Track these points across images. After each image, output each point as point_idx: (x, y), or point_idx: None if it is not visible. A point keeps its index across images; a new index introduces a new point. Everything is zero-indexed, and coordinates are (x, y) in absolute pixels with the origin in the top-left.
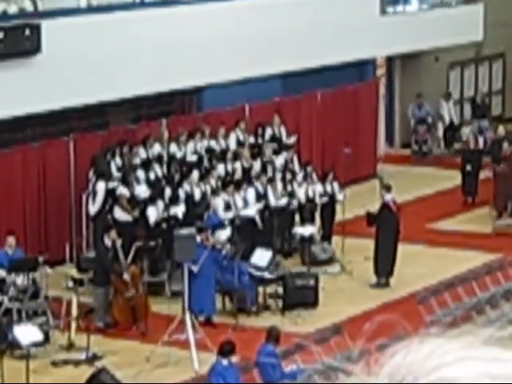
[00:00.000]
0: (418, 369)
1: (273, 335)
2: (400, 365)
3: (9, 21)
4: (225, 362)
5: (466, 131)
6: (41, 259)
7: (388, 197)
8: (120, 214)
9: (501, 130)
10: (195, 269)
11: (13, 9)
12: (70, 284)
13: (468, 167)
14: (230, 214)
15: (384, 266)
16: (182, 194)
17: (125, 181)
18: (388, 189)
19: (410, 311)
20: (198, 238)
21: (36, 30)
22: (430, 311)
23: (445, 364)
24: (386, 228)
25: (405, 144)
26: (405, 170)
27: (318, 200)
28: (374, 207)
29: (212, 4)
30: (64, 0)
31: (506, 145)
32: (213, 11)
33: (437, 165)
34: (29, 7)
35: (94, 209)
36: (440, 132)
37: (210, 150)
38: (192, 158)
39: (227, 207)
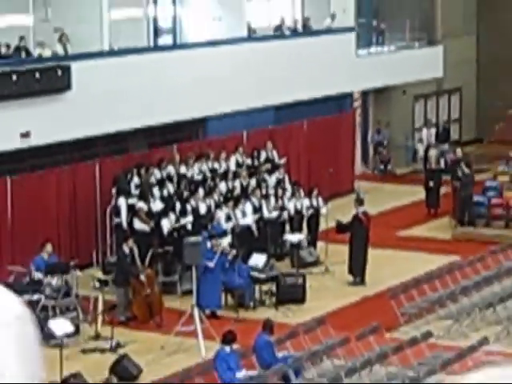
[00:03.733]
0: None
1: (267, 326)
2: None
3: (44, 63)
4: (227, 348)
5: (432, 153)
6: (72, 263)
7: (360, 209)
8: (139, 225)
9: (459, 152)
10: (211, 264)
11: (47, 53)
12: (97, 284)
13: (431, 183)
14: (231, 224)
15: (357, 267)
16: (189, 207)
17: (142, 197)
18: (360, 202)
19: (382, 305)
20: (209, 244)
21: (66, 70)
22: (400, 305)
23: None
24: (357, 236)
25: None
26: (377, 187)
27: (304, 212)
28: (349, 218)
29: (214, 48)
30: (89, 45)
31: (463, 165)
32: (215, 55)
33: (404, 182)
34: (60, 51)
35: (123, 221)
36: (421, 152)
37: (213, 171)
38: (198, 177)
39: (228, 218)
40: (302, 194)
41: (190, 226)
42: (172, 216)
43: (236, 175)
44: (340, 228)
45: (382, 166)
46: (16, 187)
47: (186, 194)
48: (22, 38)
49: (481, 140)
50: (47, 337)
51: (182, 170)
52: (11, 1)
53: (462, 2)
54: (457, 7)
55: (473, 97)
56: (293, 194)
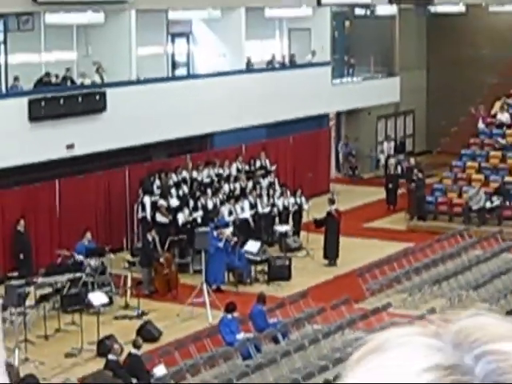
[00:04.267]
0: (490, 333)
1: (261, 298)
2: (469, 323)
3: (85, 89)
4: (229, 316)
5: (391, 161)
6: (107, 248)
7: (332, 207)
8: (160, 218)
9: (412, 160)
10: (220, 244)
11: (87, 81)
12: (126, 265)
13: (390, 186)
14: (232, 218)
15: (331, 252)
16: (200, 204)
17: (162, 196)
18: (332, 202)
19: (351, 282)
20: (215, 233)
21: (102, 95)
22: (365, 282)
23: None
24: (330, 227)
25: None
26: (347, 188)
27: (290, 208)
28: (324, 213)
29: (220, 78)
30: (121, 75)
31: (416, 171)
32: (220, 83)
33: (369, 184)
34: (98, 80)
35: (147, 215)
36: (382, 161)
37: (218, 175)
38: (207, 180)
39: (230, 213)
40: (289, 193)
41: (199, 219)
42: (186, 211)
43: (236, 179)
44: (317, 223)
45: (351, 172)
46: (63, 188)
47: (197, 193)
48: (67, 70)
49: (430, 151)
50: (87, 306)
51: (194, 174)
52: (59, 40)
53: (415, 43)
54: (411, 46)
55: (423, 117)
56: (281, 194)
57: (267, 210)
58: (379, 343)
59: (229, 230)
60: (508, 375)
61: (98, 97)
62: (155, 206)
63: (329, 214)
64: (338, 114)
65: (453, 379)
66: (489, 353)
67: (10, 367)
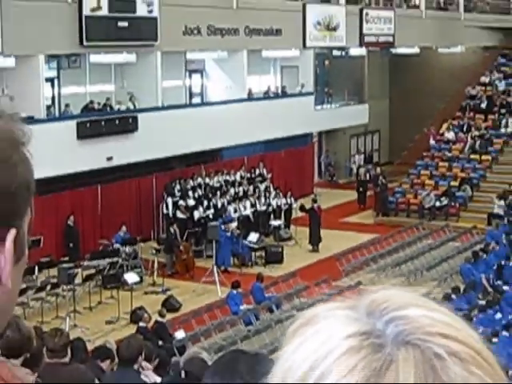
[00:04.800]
0: (393, 302)
1: (259, 277)
2: (378, 293)
3: (121, 114)
4: (234, 291)
5: (361, 170)
6: (138, 238)
7: (315, 205)
8: (180, 215)
9: (378, 169)
10: (228, 234)
11: (123, 107)
12: (153, 251)
13: (360, 189)
14: (237, 214)
15: (314, 241)
16: (211, 204)
17: (182, 197)
18: (315, 201)
19: (330, 265)
20: (223, 227)
21: (135, 119)
22: (341, 264)
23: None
24: (313, 221)
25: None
26: (327, 191)
27: (283, 207)
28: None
29: (226, 105)
30: (149, 103)
31: (381, 177)
32: (227, 109)
33: (343, 188)
34: (131, 107)
35: (170, 212)
36: (354, 170)
37: (226, 181)
38: (217, 185)
39: (235, 211)
40: (281, 195)
41: (211, 216)
42: (200, 209)
43: (240, 183)
44: (302, 209)
45: (330, 178)
46: (103, 192)
47: (209, 195)
48: (107, 99)
49: (392, 162)
50: (122, 284)
51: (207, 180)
52: (101, 75)
53: (380, 77)
54: (377, 80)
55: (386, 135)
56: (275, 196)
57: (264, 208)
58: (309, 318)
59: (234, 224)
60: (413, 335)
61: (131, 120)
62: (176, 205)
63: (312, 209)
64: (320, 133)
65: (370, 342)
66: (396, 318)
67: (59, 330)
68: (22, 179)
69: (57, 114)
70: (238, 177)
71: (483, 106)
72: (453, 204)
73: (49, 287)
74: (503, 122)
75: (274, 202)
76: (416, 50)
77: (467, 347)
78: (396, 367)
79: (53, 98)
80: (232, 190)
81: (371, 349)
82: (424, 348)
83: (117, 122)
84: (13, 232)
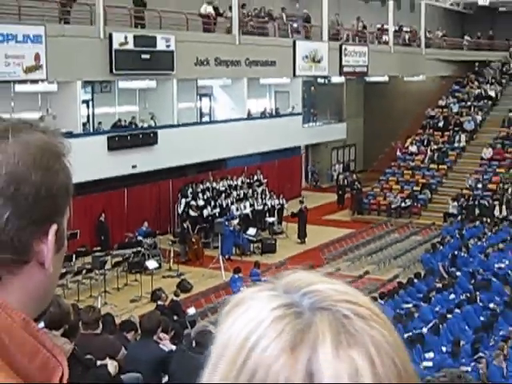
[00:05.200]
0: (307, 282)
1: (256, 264)
2: (295, 276)
3: (144, 130)
4: (236, 275)
5: (341, 176)
6: (157, 232)
7: (302, 205)
8: (191, 213)
9: (354, 176)
10: (231, 228)
11: (145, 125)
12: (170, 243)
13: (340, 192)
14: (238, 213)
15: (301, 235)
16: (217, 204)
17: (194, 198)
18: (302, 202)
19: (315, 254)
20: (227, 223)
21: (155, 134)
22: (324, 254)
23: (318, 280)
24: (301, 219)
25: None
26: (313, 193)
27: (276, 207)
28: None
29: (230, 123)
30: (167, 121)
31: (356, 182)
32: (231, 126)
33: (326, 191)
34: (152, 124)
35: (183, 210)
36: (335, 176)
37: (229, 185)
38: (222, 188)
39: (237, 210)
40: (275, 197)
41: (217, 214)
42: (208, 208)
43: (241, 187)
44: (293, 215)
45: (314, 183)
46: (129, 194)
47: (215, 197)
48: (133, 117)
49: (366, 170)
50: (145, 269)
51: (214, 184)
52: (127, 98)
53: (356, 101)
54: (353, 103)
55: (361, 148)
56: (270, 197)
57: (261, 207)
58: (238, 300)
59: (236, 221)
60: (325, 303)
61: (151, 135)
62: (188, 205)
63: (300, 209)
64: (306, 147)
65: (291, 311)
66: (309, 292)
67: (92, 307)
68: (62, 184)
69: (91, 130)
70: (239, 182)
71: (440, 124)
72: (415, 205)
73: (84, 272)
74: (456, 137)
75: (268, 203)
76: (385, 78)
77: (366, 308)
78: (315, 327)
79: (88, 117)
80: (234, 193)
81: (293, 316)
82: (334, 311)
83: (140, 136)
84: (54, 227)
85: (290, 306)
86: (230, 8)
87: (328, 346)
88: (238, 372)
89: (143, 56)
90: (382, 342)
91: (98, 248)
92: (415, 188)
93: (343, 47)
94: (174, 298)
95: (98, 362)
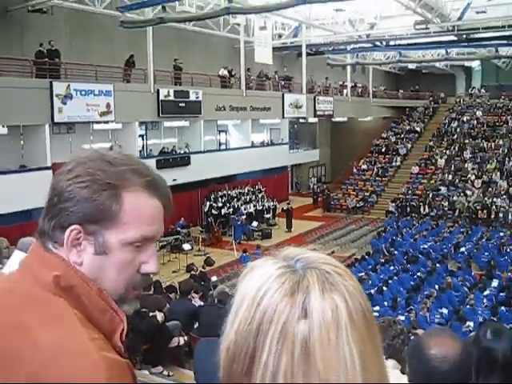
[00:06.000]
0: (300, 253)
1: (258, 247)
2: (291, 250)
3: (180, 155)
4: (244, 254)
5: (315, 186)
6: (190, 224)
7: (289, 206)
8: (214, 211)
9: (324, 186)
10: (240, 222)
11: (182, 151)
12: (199, 232)
13: (315, 197)
14: (245, 211)
15: (288, 226)
16: (231, 205)
17: (215, 201)
18: (289, 204)
19: (299, 239)
20: (238, 218)
21: (189, 157)
22: (306, 238)
23: (307, 252)
24: (288, 215)
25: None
26: (296, 198)
27: (271, 207)
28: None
29: (240, 150)
30: (196, 148)
31: (326, 190)
32: (240, 152)
33: (306, 196)
34: (186, 150)
35: (206, 209)
36: (311, 185)
37: (239, 192)
38: (234, 194)
39: (244, 209)
40: (270, 200)
41: (231, 212)
42: (225, 208)
43: (247, 194)
44: (283, 210)
45: (297, 190)
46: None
47: (230, 200)
48: (173, 146)
49: (332, 181)
50: (182, 250)
51: (229, 192)
52: (169, 133)
53: (325, 134)
54: (323, 136)
55: (329, 167)
56: (267, 201)
57: (261, 207)
58: (252, 266)
59: (243, 217)
60: (313, 264)
61: (186, 158)
62: (211, 206)
63: (287, 209)
64: (292, 166)
65: (289, 270)
66: (301, 258)
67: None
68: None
69: (145, 155)
70: (246, 190)
71: (383, 150)
72: (366, 205)
73: None
74: (394, 159)
75: (266, 204)
76: (345, 119)
77: (341, 269)
78: (307, 279)
79: (143, 146)
80: (242, 198)
81: (291, 272)
82: (320, 269)
83: (178, 159)
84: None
85: (288, 267)
86: (239, 71)
87: (316, 291)
88: (254, 313)
89: (180, 104)
90: (353, 289)
91: None
92: (366, 194)
93: (316, 98)
94: (202, 270)
95: (151, 314)
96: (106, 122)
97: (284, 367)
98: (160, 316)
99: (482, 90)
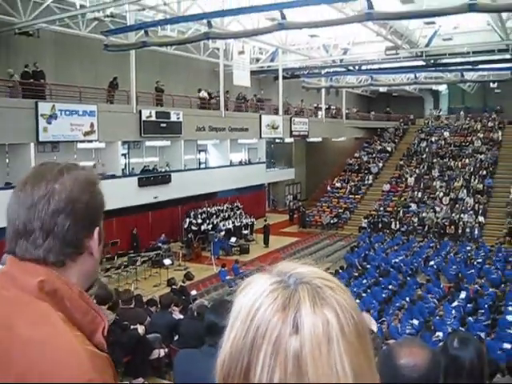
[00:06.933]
0: (293, 268)
1: (237, 261)
2: (285, 265)
3: (161, 173)
4: (223, 269)
5: (291, 203)
6: (171, 240)
7: (266, 222)
8: (193, 227)
9: (300, 203)
10: (219, 237)
11: (163, 170)
12: (179, 247)
13: (291, 213)
14: (224, 228)
15: (265, 242)
16: (211, 222)
17: (195, 218)
18: (266, 220)
19: (276, 254)
20: (216, 234)
21: (170, 176)
22: (282, 253)
23: (300, 267)
24: (265, 231)
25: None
26: (273, 215)
27: (249, 223)
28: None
29: (218, 169)
30: (177, 166)
31: (301, 207)
32: (219, 170)
33: (282, 213)
34: (167, 169)
35: (186, 225)
36: (287, 202)
37: (218, 209)
38: (213, 211)
39: (223, 225)
40: (248, 217)
41: (210, 228)
42: (205, 224)
43: (226, 211)
44: (263, 228)
45: (274, 207)
46: (152, 215)
47: (209, 217)
48: (155, 165)
49: (307, 199)
50: (163, 265)
51: (208, 209)
52: (151, 153)
53: (301, 154)
54: (299, 155)
55: (304, 184)
56: (245, 217)
57: (239, 224)
58: (248, 282)
59: (222, 233)
60: (304, 279)
61: (167, 176)
62: (191, 223)
63: (265, 225)
64: (269, 184)
65: (282, 285)
66: (294, 273)
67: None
68: (101, 200)
69: (127, 173)
70: (225, 207)
71: (356, 169)
72: (340, 221)
73: (122, 267)
74: (366, 177)
75: (244, 221)
76: (320, 139)
77: (332, 282)
78: (298, 294)
79: (125, 165)
80: (221, 214)
81: (283, 288)
82: (311, 284)
83: (159, 177)
84: (97, 229)
85: (281, 282)
86: (219, 93)
87: (308, 306)
88: (248, 327)
89: (161, 125)
90: (344, 303)
91: (132, 251)
92: (340, 210)
93: (292, 119)
94: (182, 284)
95: (132, 326)
96: (90, 142)
97: (277, 382)
98: (141, 329)
99: (445, 112)
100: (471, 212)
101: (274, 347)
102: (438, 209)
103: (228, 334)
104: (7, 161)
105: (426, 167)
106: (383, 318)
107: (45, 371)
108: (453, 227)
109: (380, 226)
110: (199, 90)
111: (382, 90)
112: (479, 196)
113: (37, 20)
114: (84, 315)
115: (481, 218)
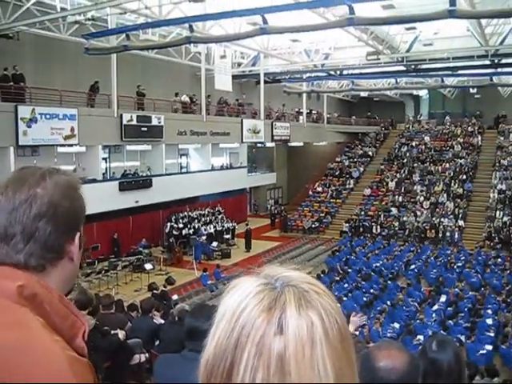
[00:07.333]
0: (280, 272)
1: (218, 266)
2: (272, 269)
3: (142, 178)
4: (204, 273)
5: (273, 207)
6: (152, 245)
7: (248, 227)
8: (175, 232)
9: (281, 207)
10: (200, 242)
11: (144, 174)
12: (160, 252)
13: (272, 218)
14: (205, 232)
15: (247, 246)
16: (192, 226)
17: (176, 222)
18: (247, 225)
19: (257, 259)
20: (198, 239)
21: (151, 180)
22: (264, 257)
23: (288, 271)
24: (247, 235)
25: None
26: (254, 219)
27: (230, 227)
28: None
29: (200, 173)
30: (159, 171)
31: (283, 211)
32: (201, 175)
33: (263, 217)
34: (148, 173)
35: (167, 230)
36: (269, 207)
37: (200, 214)
38: (195, 216)
39: (205, 230)
40: (230, 221)
41: (192, 232)
42: (186, 229)
43: (207, 215)
44: (246, 231)
45: (255, 212)
46: (133, 220)
47: (191, 221)
48: (136, 169)
49: (289, 203)
50: (144, 270)
51: (190, 213)
52: (132, 157)
53: (282, 158)
54: (280, 159)
55: (286, 189)
56: (226, 221)
57: (220, 228)
58: (234, 284)
59: (204, 237)
60: (291, 282)
61: (148, 181)
62: (172, 227)
63: (246, 230)
64: (250, 188)
65: (268, 287)
66: (281, 277)
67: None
68: (82, 205)
69: (108, 177)
70: (206, 211)
71: (337, 173)
72: (321, 225)
73: (103, 272)
74: (347, 182)
75: (225, 225)
76: (301, 143)
77: (319, 287)
78: (284, 296)
79: (106, 169)
80: (203, 219)
81: (269, 290)
82: (297, 287)
83: (140, 182)
84: (78, 234)
85: (268, 284)
86: (200, 97)
87: (293, 308)
88: (233, 327)
89: (143, 129)
90: (329, 308)
91: (113, 256)
92: (321, 214)
93: (273, 123)
94: (164, 289)
95: (112, 332)
96: (70, 146)
97: (260, 382)
98: (121, 334)
99: (426, 117)
100: (451, 216)
101: (257, 347)
102: (418, 213)
103: (213, 334)
104: None
105: (406, 171)
106: (364, 322)
107: (23, 377)
108: (433, 231)
109: (361, 230)
110: (176, 94)
111: (363, 94)
112: (459, 200)
113: (17, 22)
114: (64, 319)
115: (461, 222)
